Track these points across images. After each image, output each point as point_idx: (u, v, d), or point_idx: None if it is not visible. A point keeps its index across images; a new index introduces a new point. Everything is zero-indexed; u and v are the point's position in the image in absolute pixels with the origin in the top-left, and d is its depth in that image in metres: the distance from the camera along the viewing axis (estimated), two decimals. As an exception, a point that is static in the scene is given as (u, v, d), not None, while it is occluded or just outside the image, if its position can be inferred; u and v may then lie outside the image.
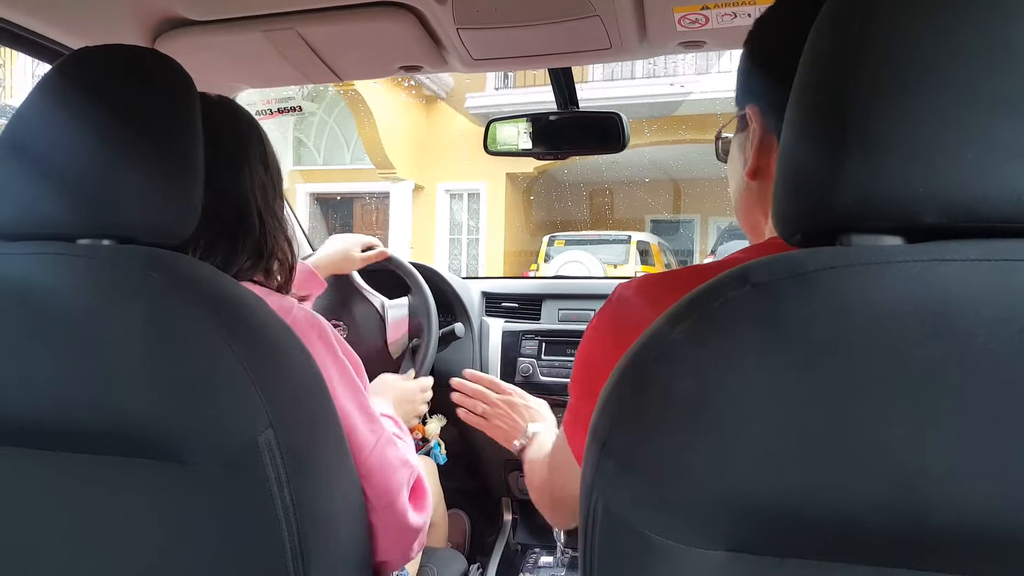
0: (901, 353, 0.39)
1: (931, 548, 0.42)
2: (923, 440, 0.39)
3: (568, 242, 10.84)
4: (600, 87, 10.62)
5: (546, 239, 11.03)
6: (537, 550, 1.78)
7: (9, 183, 0.63)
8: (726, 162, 0.80)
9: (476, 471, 1.88)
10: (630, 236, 10.90)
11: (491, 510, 1.92)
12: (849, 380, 0.40)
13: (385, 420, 0.94)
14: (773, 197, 0.49)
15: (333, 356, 0.85)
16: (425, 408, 1.37)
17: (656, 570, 0.45)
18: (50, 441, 0.62)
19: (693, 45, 1.21)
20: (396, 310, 1.60)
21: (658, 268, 10.48)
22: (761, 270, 0.43)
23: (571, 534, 1.65)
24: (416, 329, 1.62)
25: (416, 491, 0.94)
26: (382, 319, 1.59)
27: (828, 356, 0.40)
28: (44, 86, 0.65)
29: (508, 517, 1.90)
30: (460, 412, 1.18)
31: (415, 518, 0.91)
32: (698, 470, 0.43)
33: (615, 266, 10.29)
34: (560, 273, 9.86)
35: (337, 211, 13.26)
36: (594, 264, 10.08)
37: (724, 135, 0.79)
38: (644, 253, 10.80)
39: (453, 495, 1.81)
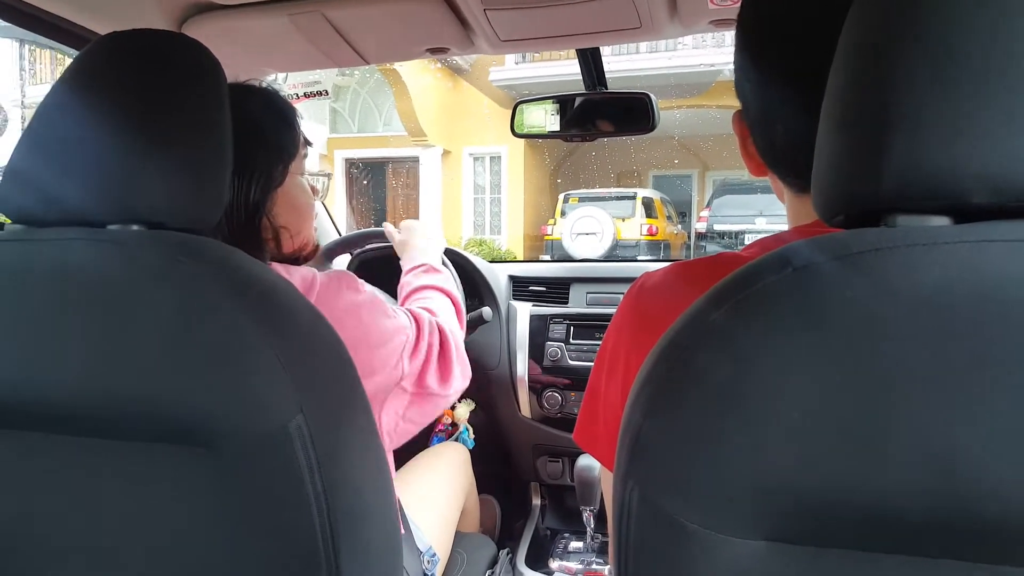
0: (947, 337, 0.33)
1: (976, 538, 0.36)
2: (967, 427, 0.33)
3: (581, 199, 10.84)
4: (613, 60, 10.30)
5: (561, 197, 11.05)
6: (567, 535, 1.60)
7: (38, 170, 0.57)
8: None
9: (505, 456, 1.68)
10: (636, 193, 10.91)
11: (520, 495, 1.73)
12: (893, 365, 0.34)
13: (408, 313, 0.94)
14: (813, 177, 0.42)
15: (361, 293, 0.84)
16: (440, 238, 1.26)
17: (693, 559, 0.40)
18: (79, 427, 0.55)
19: (725, 23, 1.07)
20: None
21: (660, 220, 10.74)
22: (803, 252, 0.37)
23: (601, 519, 1.45)
24: None
25: (441, 362, 0.95)
26: None
27: (871, 340, 0.34)
28: (72, 73, 0.59)
29: (537, 502, 1.71)
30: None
31: (437, 387, 0.93)
32: (735, 457, 0.37)
33: (623, 219, 10.35)
34: (575, 228, 10.12)
35: (371, 174, 13.18)
36: (605, 218, 10.16)
37: None
38: (648, 207, 10.82)
39: (482, 480, 1.64)
